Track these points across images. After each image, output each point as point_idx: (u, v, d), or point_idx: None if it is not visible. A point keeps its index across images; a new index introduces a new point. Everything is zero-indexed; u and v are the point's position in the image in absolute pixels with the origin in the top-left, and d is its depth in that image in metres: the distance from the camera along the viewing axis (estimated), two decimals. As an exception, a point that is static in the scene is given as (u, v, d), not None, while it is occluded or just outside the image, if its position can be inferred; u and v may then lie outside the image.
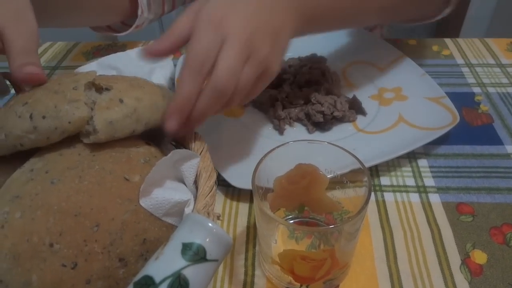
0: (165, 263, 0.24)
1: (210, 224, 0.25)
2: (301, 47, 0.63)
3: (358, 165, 0.35)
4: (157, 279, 0.23)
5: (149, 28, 0.71)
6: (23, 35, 0.34)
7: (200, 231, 0.24)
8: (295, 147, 0.38)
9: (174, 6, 0.72)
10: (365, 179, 0.35)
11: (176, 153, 0.32)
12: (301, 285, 0.37)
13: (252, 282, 0.38)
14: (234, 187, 0.45)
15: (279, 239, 0.36)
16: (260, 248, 0.40)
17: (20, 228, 0.28)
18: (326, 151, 0.38)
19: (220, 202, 0.46)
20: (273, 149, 0.37)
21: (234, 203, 0.46)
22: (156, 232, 0.31)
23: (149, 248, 0.30)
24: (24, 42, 0.34)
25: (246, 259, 0.40)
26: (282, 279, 0.37)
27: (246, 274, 0.39)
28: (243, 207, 0.45)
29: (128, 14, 0.64)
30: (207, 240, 0.24)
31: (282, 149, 0.37)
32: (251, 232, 0.43)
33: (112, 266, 0.28)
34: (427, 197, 0.46)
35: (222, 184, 0.46)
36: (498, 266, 0.39)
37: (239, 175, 0.46)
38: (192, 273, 0.23)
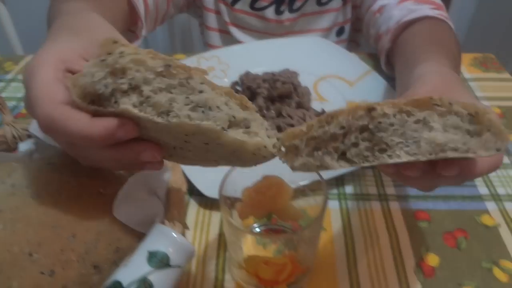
0: (132, 269, 0.27)
1: (173, 234, 0.28)
2: (275, 62, 0.67)
3: (317, 177, 0.39)
4: (125, 284, 0.26)
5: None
6: None
7: (165, 241, 0.27)
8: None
9: (163, 21, 0.74)
10: (323, 188, 0.38)
11: (147, 168, 0.35)
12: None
13: (222, 286, 0.41)
14: (207, 197, 0.48)
15: (248, 246, 0.39)
16: (229, 254, 0.43)
17: (2, 239, 0.30)
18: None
19: (194, 211, 0.49)
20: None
21: (207, 212, 0.49)
22: (128, 241, 0.34)
23: (122, 256, 0.33)
24: None
25: (217, 264, 0.43)
26: (249, 282, 0.40)
27: (216, 278, 0.42)
28: (216, 215, 0.48)
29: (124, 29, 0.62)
30: (171, 248, 0.27)
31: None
32: (223, 239, 0.45)
33: (87, 273, 0.31)
34: (388, 205, 0.49)
35: (196, 193, 0.49)
36: (449, 267, 0.42)
37: (212, 186, 0.48)
38: (156, 278, 0.26)
